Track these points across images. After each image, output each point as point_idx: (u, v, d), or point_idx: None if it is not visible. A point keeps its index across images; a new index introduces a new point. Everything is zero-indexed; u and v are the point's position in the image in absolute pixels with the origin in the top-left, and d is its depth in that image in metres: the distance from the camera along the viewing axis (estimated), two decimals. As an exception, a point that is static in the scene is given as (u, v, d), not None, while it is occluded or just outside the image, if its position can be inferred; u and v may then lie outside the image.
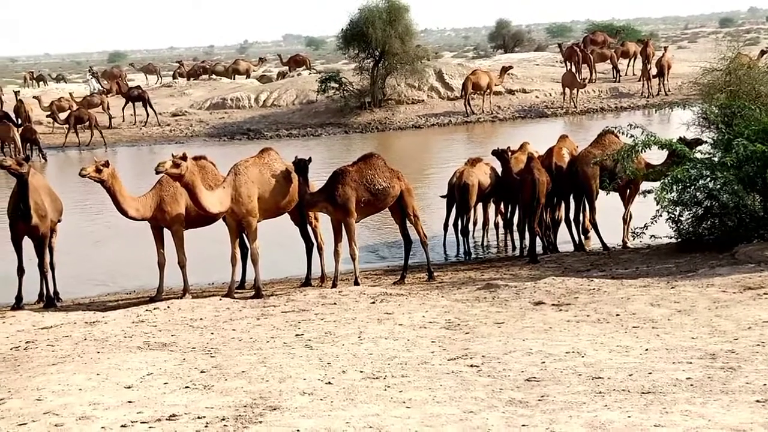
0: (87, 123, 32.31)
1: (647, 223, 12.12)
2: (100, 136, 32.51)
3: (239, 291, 11.67)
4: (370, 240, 15.10)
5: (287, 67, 48.33)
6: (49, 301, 11.80)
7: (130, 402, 5.70)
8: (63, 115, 33.31)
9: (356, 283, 11.24)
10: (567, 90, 35.96)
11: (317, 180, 12.27)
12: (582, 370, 6.27)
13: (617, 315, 8.19)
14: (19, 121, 31.20)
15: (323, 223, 12.36)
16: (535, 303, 8.95)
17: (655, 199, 11.70)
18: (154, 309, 9.66)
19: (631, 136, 12.50)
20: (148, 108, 35.48)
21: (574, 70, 38.28)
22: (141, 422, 5.25)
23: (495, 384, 6.01)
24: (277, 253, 13.30)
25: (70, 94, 37.21)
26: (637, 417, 5.10)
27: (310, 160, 11.21)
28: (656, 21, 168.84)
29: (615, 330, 7.63)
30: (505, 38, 63.32)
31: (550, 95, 37.52)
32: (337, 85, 36.77)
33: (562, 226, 13.88)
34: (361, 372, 6.40)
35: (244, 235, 11.66)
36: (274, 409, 5.46)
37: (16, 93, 35.54)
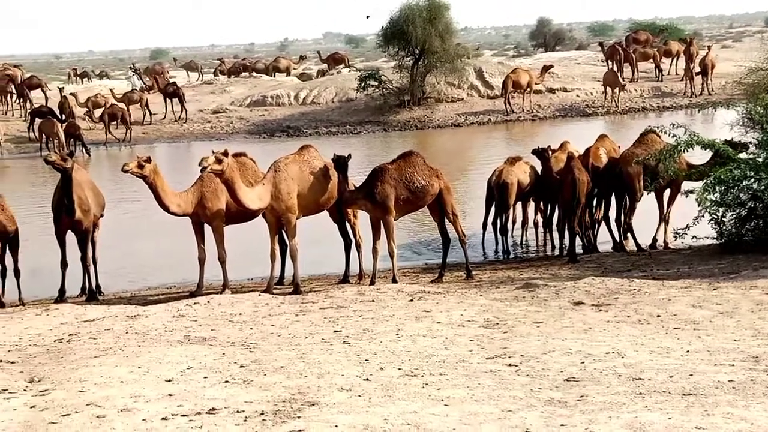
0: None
1: (689, 223, 11.99)
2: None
3: (278, 287, 11.74)
4: (408, 238, 15.10)
5: (326, 65, 48.46)
6: (92, 295, 11.96)
7: (170, 395, 5.76)
8: (98, 112, 33.65)
9: (394, 281, 11.25)
10: (608, 89, 35.64)
11: (356, 177, 12.30)
12: (622, 370, 6.22)
13: (658, 316, 8.11)
14: (63, 117, 31.62)
15: (361, 220, 12.38)
16: (574, 303, 8.89)
17: (697, 200, 11.57)
18: (195, 304, 9.75)
19: (674, 135, 12.36)
20: (183, 104, 35.80)
21: (615, 69, 37.93)
22: (181, 415, 5.31)
23: (534, 383, 5.98)
24: (315, 249, 13.35)
25: (111, 90, 37.62)
26: (678, 419, 5.05)
27: (349, 156, 11.23)
28: (700, 20, 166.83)
29: (656, 331, 7.56)
30: (546, 37, 62.96)
31: (591, 94, 37.22)
32: (376, 83, 36.82)
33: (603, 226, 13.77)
34: (399, 369, 6.41)
35: (283, 231, 11.72)
36: (313, 405, 5.49)
37: (61, 89, 35.98)
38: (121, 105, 33.98)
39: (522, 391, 5.78)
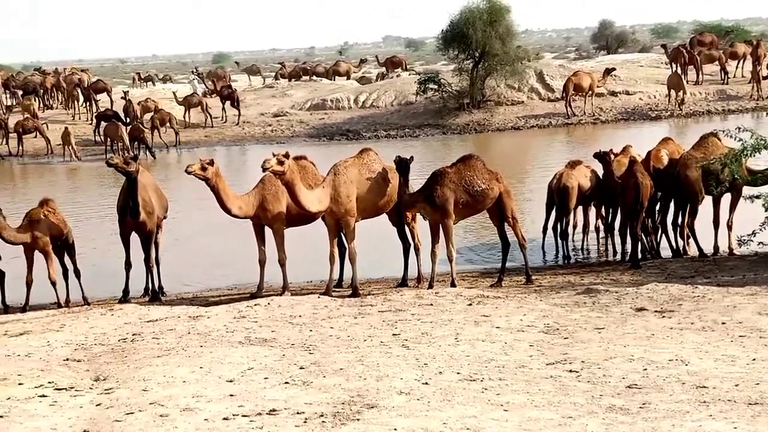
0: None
1: (755, 230, 11.73)
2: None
3: (337, 290, 11.80)
4: (467, 242, 15.05)
5: (384, 69, 48.55)
6: (154, 295, 12.16)
7: (231, 395, 5.82)
8: (147, 117, 34.04)
9: (453, 285, 11.22)
10: (672, 92, 35.06)
11: (415, 181, 12.29)
12: (686, 378, 6.11)
13: (723, 323, 7.94)
14: (128, 120, 32.22)
15: (420, 223, 12.37)
16: (636, 309, 8.76)
17: (764, 205, 11.31)
18: (255, 305, 9.84)
19: (740, 139, 12.11)
20: (237, 107, 36.19)
21: (680, 71, 37.30)
22: (242, 416, 5.36)
23: (595, 390, 5.91)
24: (374, 252, 13.38)
25: (174, 93, 38.20)
26: (744, 428, 4.95)
27: (411, 159, 11.24)
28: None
29: (720, 338, 7.40)
30: (609, 39, 62.24)
31: (655, 97, 36.64)
32: (436, 87, 36.79)
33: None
34: (458, 373, 6.39)
35: (342, 234, 11.78)
36: (372, 407, 5.50)
37: (126, 93, 36.72)
38: (168, 110, 34.17)
39: (583, 398, 5.72)
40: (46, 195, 12.53)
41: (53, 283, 11.75)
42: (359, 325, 8.50)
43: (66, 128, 31.82)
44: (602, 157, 13.10)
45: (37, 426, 5.34)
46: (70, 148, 30.65)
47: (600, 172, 13.53)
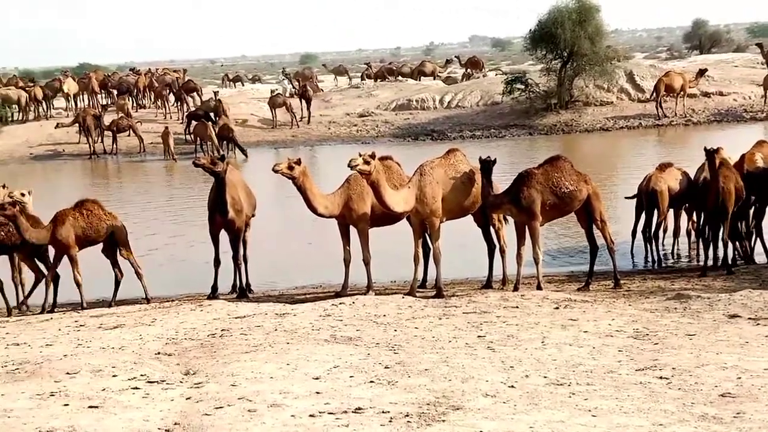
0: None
1: None
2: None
3: (420, 290, 11.78)
4: (553, 244, 14.86)
5: (465, 69, 48.29)
6: (242, 292, 12.34)
7: (318, 393, 5.88)
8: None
9: (539, 288, 11.09)
10: (768, 93, 33.96)
11: (501, 182, 12.20)
12: (782, 389, 5.91)
13: (822, 333, 7.66)
14: (217, 120, 32.81)
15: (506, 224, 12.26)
16: (730, 316, 8.52)
17: None
18: (340, 304, 9.92)
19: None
20: (308, 107, 36.52)
21: (776, 71, 36.09)
22: (328, 413, 5.41)
23: (686, 397, 5.77)
24: (458, 254, 13.33)
25: (273, 91, 38.76)
26: None
27: (494, 161, 11.15)
28: None
29: (819, 348, 7.14)
30: (702, 39, 60.72)
31: (750, 98, 35.53)
32: (523, 87, 36.47)
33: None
34: (545, 377, 6.32)
35: (427, 234, 11.76)
36: (457, 409, 5.48)
37: (215, 93, 37.44)
38: (253, 111, 34.38)
39: (674, 405, 5.59)
40: (87, 195, 12.48)
41: (78, 285, 11.63)
42: (444, 326, 8.48)
43: (166, 128, 32.60)
44: (711, 154, 12.64)
45: (130, 417, 5.48)
46: (168, 147, 31.34)
47: (692, 174, 13.20)
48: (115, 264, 12.08)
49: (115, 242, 11.91)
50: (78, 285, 11.66)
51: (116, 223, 11.94)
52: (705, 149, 12.57)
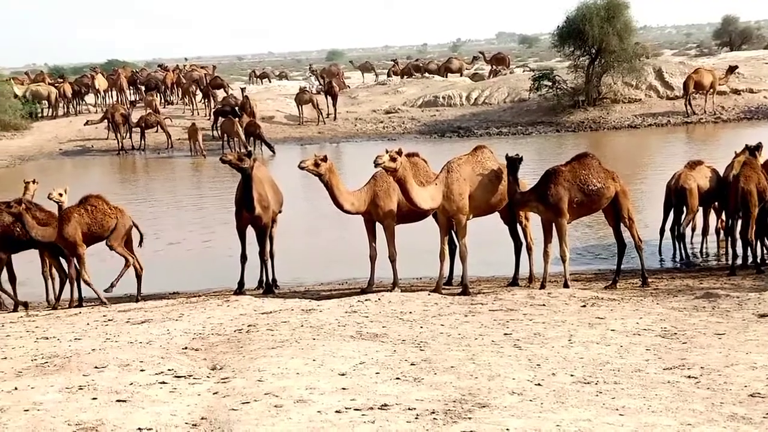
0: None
1: None
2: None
3: (446, 287, 11.77)
4: (580, 242, 14.78)
5: (490, 66, 48.11)
6: (268, 288, 12.40)
7: (344, 389, 5.88)
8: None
9: (566, 286, 11.04)
10: (799, 90, 33.57)
11: (528, 179, 12.15)
12: (813, 389, 5.83)
13: None
14: (244, 116, 32.93)
15: (533, 222, 12.21)
16: (759, 315, 8.43)
17: None
18: (366, 300, 9.93)
19: None
20: (334, 103, 36.59)
21: (808, 68, 35.68)
22: (354, 409, 5.41)
23: (715, 397, 5.71)
24: (484, 251, 13.29)
25: (304, 89, 38.88)
26: None
27: (521, 159, 11.11)
28: None
29: None
30: (732, 35, 60.14)
31: (781, 96, 35.15)
32: (550, 83, 36.30)
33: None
34: (572, 376, 6.28)
35: (453, 232, 11.75)
36: (483, 407, 5.46)
37: (243, 90, 37.59)
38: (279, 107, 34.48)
39: (702, 405, 5.54)
40: (92, 191, 12.29)
41: (70, 280, 11.68)
42: (470, 324, 8.46)
43: (193, 124, 32.79)
44: (752, 151, 12.52)
45: (158, 411, 5.51)
46: (196, 143, 31.47)
47: (721, 172, 13.07)
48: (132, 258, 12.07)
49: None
50: (88, 284, 11.63)
51: (123, 218, 11.87)
52: (746, 147, 12.48)
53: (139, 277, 12.06)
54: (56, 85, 39.69)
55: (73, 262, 11.73)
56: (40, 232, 11.39)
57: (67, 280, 11.95)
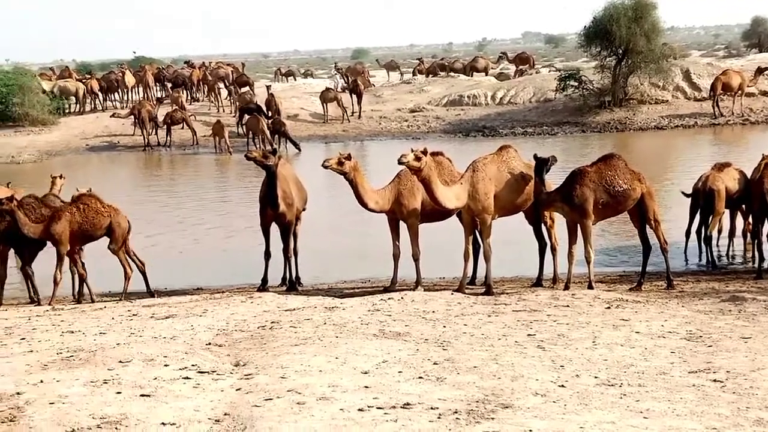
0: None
1: None
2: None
3: (470, 287, 11.73)
4: (605, 243, 14.69)
5: (514, 65, 47.92)
6: (291, 285, 12.42)
7: (366, 387, 5.88)
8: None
9: (590, 287, 10.97)
10: (829, 92, 33.17)
11: (553, 179, 12.09)
12: (841, 395, 5.76)
13: None
14: (269, 114, 33.02)
15: (558, 223, 12.15)
16: (787, 319, 8.34)
17: None
18: (389, 299, 9.93)
19: None
20: (359, 101, 36.64)
21: (838, 70, 35.20)
22: (377, 408, 5.41)
23: (741, 401, 5.66)
24: (508, 251, 13.24)
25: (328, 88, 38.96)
26: None
27: (554, 160, 11.03)
28: None
29: None
30: (761, 36, 59.56)
31: (811, 98, 34.75)
32: (576, 84, 36.10)
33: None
34: (596, 377, 6.24)
35: (477, 231, 11.71)
36: (506, 407, 5.45)
37: (268, 87, 37.69)
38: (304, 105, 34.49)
39: (728, 409, 5.49)
40: (84, 190, 12.42)
41: (55, 282, 11.57)
42: (493, 324, 8.44)
43: (218, 121, 32.90)
44: None
45: (181, 406, 5.54)
46: (222, 141, 31.55)
47: (749, 174, 12.95)
48: (131, 256, 12.03)
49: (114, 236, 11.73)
50: (55, 283, 11.61)
51: (117, 216, 11.79)
52: None
53: (143, 273, 12.03)
54: (84, 81, 40.00)
55: (80, 259, 11.83)
56: (32, 230, 11.42)
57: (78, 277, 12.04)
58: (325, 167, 11.06)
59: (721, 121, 33.19)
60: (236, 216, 18.72)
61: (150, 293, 11.91)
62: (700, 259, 13.43)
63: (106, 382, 6.09)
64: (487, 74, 45.87)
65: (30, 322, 9.18)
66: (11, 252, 12.03)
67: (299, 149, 30.72)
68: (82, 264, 12.04)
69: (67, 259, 11.77)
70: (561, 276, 11.72)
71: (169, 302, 10.55)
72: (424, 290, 11.20)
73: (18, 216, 11.30)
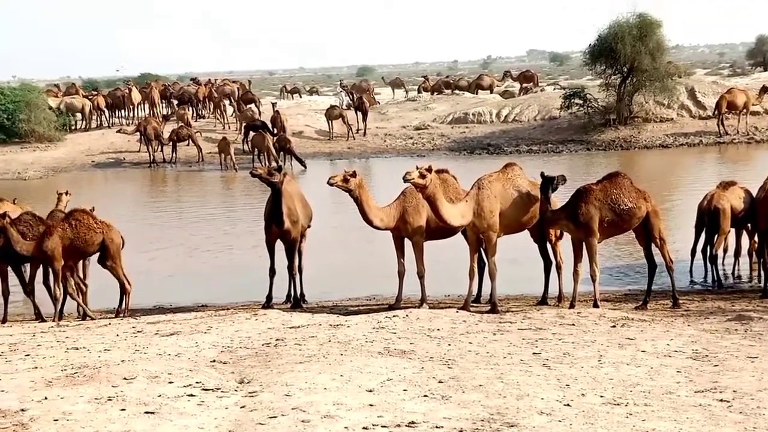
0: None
1: None
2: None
3: (475, 305, 11.70)
4: (610, 261, 14.67)
5: (518, 83, 47.98)
6: (296, 302, 12.40)
7: (371, 405, 5.86)
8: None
9: (595, 305, 10.94)
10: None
11: (559, 197, 12.08)
12: None
13: None
14: (275, 131, 33.10)
15: (563, 241, 12.13)
16: (793, 339, 8.31)
17: None
18: (394, 317, 9.91)
19: None
20: (365, 119, 36.79)
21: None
22: (381, 426, 5.39)
23: (748, 422, 5.63)
24: (513, 269, 13.22)
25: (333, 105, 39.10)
26: None
27: (564, 180, 10.99)
28: None
29: None
30: (766, 55, 59.63)
31: (816, 117, 34.73)
32: (581, 102, 36.16)
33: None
34: (602, 397, 6.22)
35: (482, 249, 11.69)
36: (512, 426, 5.42)
37: (273, 104, 37.81)
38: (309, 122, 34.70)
39: (734, 429, 5.46)
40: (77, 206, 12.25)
41: (54, 299, 11.61)
42: (498, 342, 8.42)
43: (224, 138, 33.01)
44: None
45: (185, 424, 5.53)
46: (227, 157, 31.61)
47: (754, 193, 12.94)
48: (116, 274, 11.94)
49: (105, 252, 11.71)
50: (55, 300, 11.65)
51: (110, 232, 11.74)
52: None
53: (125, 294, 11.99)
54: (90, 97, 40.16)
55: (77, 273, 11.79)
56: (24, 247, 11.37)
57: (78, 292, 12.00)
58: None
59: (726, 139, 33.19)
60: (241, 233, 18.73)
61: (121, 314, 11.79)
62: (706, 278, 13.40)
63: (110, 399, 6.07)
64: (492, 92, 46.00)
65: (35, 339, 9.17)
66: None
67: (304, 166, 30.77)
68: (83, 280, 12.03)
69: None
70: (566, 294, 11.69)
71: (173, 319, 10.54)
72: (429, 308, 11.17)
73: (11, 233, 11.24)
